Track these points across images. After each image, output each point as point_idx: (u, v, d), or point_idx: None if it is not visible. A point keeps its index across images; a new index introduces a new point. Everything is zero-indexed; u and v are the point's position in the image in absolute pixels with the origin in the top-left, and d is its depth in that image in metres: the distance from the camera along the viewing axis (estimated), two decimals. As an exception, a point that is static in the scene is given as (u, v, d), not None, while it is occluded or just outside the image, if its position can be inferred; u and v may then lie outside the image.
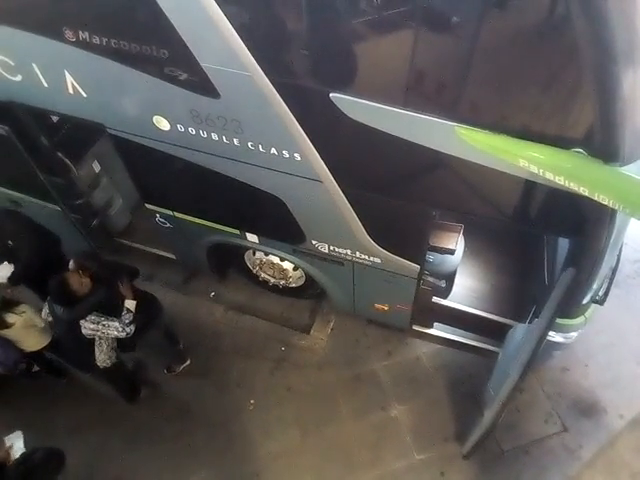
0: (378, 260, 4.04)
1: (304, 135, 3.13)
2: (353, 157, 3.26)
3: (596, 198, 2.49)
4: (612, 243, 2.99)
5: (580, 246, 3.18)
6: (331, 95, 2.82)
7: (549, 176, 2.53)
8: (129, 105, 3.56)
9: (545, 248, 4.79)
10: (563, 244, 4.12)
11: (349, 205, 3.57)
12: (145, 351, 4.75)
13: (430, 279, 4.50)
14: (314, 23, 2.73)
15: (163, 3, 2.72)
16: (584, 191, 2.50)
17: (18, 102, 3.86)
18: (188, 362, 5.15)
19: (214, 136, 3.41)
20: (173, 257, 5.45)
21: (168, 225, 4.72)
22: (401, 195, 3.41)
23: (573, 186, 2.50)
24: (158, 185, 4.36)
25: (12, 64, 3.53)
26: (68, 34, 3.11)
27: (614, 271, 3.69)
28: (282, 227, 4.16)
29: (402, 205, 3.43)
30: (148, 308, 4.28)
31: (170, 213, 4.55)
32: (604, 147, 2.42)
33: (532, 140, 2.54)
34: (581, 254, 3.18)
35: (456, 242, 4.19)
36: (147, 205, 4.59)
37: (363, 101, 2.78)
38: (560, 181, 2.52)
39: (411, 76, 2.66)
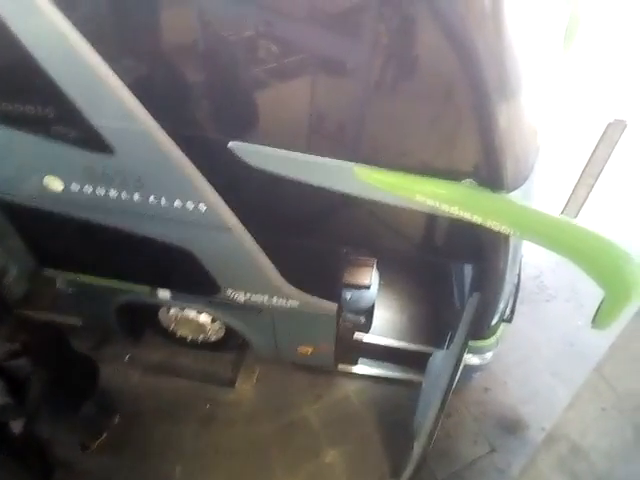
0: (296, 302, 4.01)
1: (207, 185, 3.10)
2: (259, 203, 3.26)
3: (489, 225, 2.65)
4: (510, 264, 3.18)
5: (482, 271, 3.34)
6: (230, 144, 2.82)
7: (445, 208, 2.66)
8: (16, 167, 3.35)
9: (453, 275, 5.02)
10: (468, 270, 4.33)
11: (261, 250, 3.54)
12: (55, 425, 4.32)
13: (349, 316, 4.54)
14: (208, 73, 2.75)
15: (45, 63, 2.63)
16: (477, 219, 2.65)
17: None
18: (105, 435, 4.75)
19: (112, 193, 3.27)
20: (80, 324, 5.09)
21: (71, 290, 4.42)
22: (310, 236, 3.44)
23: (467, 215, 2.65)
24: (56, 248, 4.09)
25: None
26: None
27: (517, 289, 3.92)
28: (194, 279, 4.02)
29: (313, 245, 3.46)
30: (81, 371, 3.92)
31: (72, 276, 4.27)
32: (490, 177, 2.59)
33: (426, 175, 2.68)
34: (484, 278, 3.34)
35: (370, 277, 4.28)
36: (45, 270, 4.28)
37: (261, 147, 2.80)
38: (455, 211, 2.66)
39: (307, 120, 2.74)
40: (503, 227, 2.64)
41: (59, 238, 3.88)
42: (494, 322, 3.75)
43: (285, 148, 2.79)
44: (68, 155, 3.07)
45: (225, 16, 2.57)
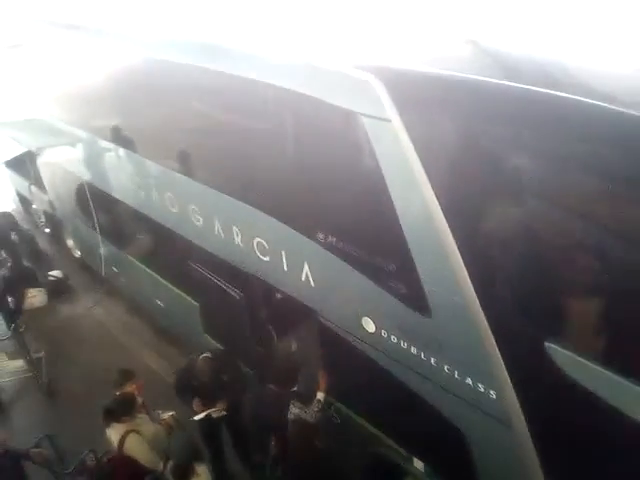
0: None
1: (506, 375, 3.03)
2: (558, 412, 2.98)
3: None
4: None
5: None
6: (546, 344, 2.75)
7: None
8: (345, 300, 3.94)
9: None
10: None
11: (535, 453, 3.16)
12: None
13: None
14: (541, 274, 2.82)
15: (406, 225, 3.13)
16: None
17: (257, 276, 4.58)
18: None
19: (413, 349, 3.51)
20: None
21: (338, 419, 4.71)
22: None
23: None
24: (343, 375, 4.47)
25: (266, 247, 4.30)
26: (319, 236, 3.72)
27: None
28: (453, 460, 3.80)
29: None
30: None
31: (340, 406, 4.57)
32: None
33: None
34: None
35: None
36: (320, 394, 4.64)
37: (585, 361, 2.64)
38: None
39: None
40: None
41: (352, 371, 4.25)
42: None
43: (617, 373, 2.54)
44: (389, 304, 3.47)
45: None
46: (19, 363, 6.11)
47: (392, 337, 3.60)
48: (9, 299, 6.67)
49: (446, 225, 2.95)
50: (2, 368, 6.15)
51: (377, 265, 3.48)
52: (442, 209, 2.95)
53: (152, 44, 4.79)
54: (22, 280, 7.04)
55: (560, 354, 2.72)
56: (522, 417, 3.10)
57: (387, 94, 2.96)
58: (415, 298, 3.29)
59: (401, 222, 3.15)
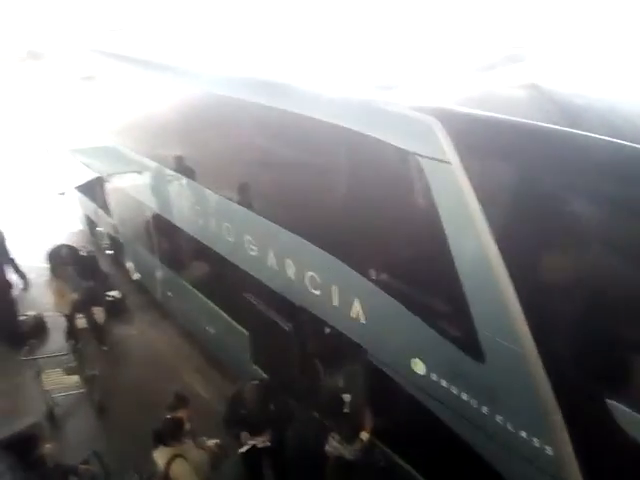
0: None
1: (564, 430, 2.89)
2: (618, 472, 2.80)
3: None
4: None
5: None
6: (608, 401, 2.61)
7: None
8: (395, 339, 3.89)
9: None
10: None
11: None
12: None
13: None
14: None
15: (461, 267, 3.10)
16: None
17: (308, 309, 4.61)
18: None
19: (464, 395, 3.41)
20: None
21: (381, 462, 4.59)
22: None
23: None
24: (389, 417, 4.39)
25: (318, 280, 4.34)
26: (372, 273, 3.73)
27: None
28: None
29: None
30: None
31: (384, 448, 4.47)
32: None
33: None
34: None
35: None
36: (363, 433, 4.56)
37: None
38: None
39: None
40: None
41: (394, 410, 4.18)
42: None
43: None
44: (441, 347, 3.41)
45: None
46: (75, 379, 6.30)
47: (442, 381, 3.51)
48: (78, 316, 7.01)
49: (504, 270, 2.90)
50: (58, 383, 6.35)
51: (430, 306, 3.45)
52: (501, 254, 2.91)
53: (219, 82, 5.04)
54: (90, 298, 7.35)
55: (622, 412, 2.58)
56: (580, 477, 2.93)
57: (448, 137, 2.99)
58: (468, 342, 3.22)
59: (457, 264, 3.11)
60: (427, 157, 3.13)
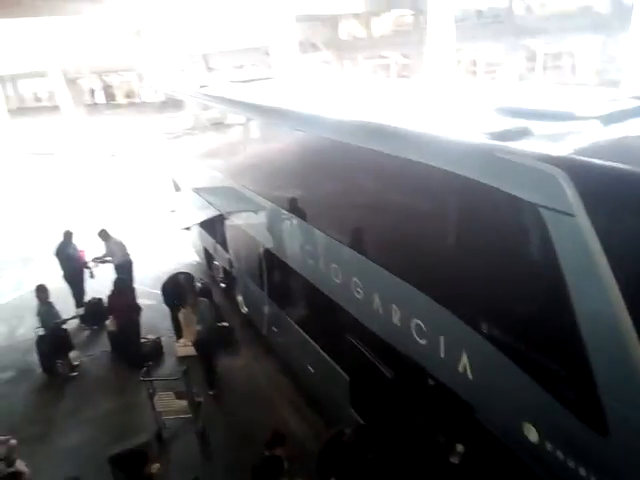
0: None
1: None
2: None
3: None
4: None
5: None
6: None
7: None
8: (506, 400, 3.64)
9: None
10: None
11: None
12: None
13: None
14: None
15: (587, 337, 2.86)
16: None
17: (412, 358, 4.48)
18: None
19: (582, 470, 3.07)
20: None
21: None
22: None
23: None
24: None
25: (424, 330, 4.23)
26: (483, 327, 3.56)
27: None
28: None
29: None
30: None
31: None
32: None
33: None
34: None
35: None
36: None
37: None
38: None
39: None
40: None
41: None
42: None
43: None
44: (557, 414, 3.12)
45: None
46: (183, 404, 6.62)
47: (558, 452, 3.20)
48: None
49: (635, 334, 2.63)
50: (169, 406, 6.73)
51: (547, 366, 3.19)
52: (631, 314, 2.65)
53: (338, 129, 5.25)
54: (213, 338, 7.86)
55: None
56: None
57: (574, 188, 2.83)
58: (590, 411, 2.93)
59: (580, 322, 2.88)
60: (548, 208, 2.98)
